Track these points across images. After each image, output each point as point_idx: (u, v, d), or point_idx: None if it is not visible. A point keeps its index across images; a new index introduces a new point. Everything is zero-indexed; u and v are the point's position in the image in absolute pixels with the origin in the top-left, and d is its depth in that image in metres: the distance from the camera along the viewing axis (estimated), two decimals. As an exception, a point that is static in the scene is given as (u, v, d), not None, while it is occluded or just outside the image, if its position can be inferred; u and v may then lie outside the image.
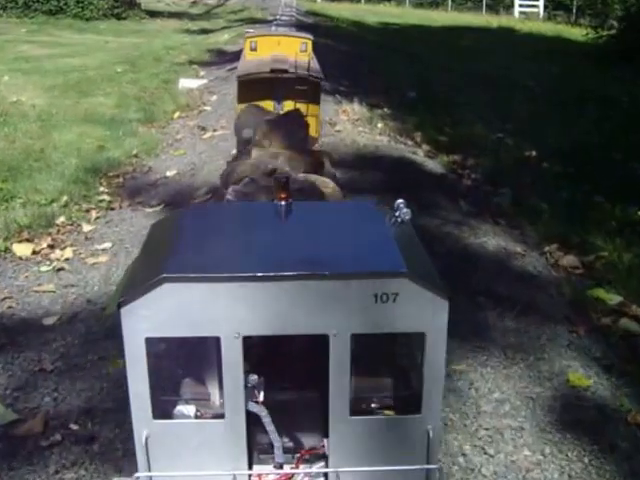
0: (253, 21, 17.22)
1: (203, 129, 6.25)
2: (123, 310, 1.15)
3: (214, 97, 8.04)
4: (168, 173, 5.00)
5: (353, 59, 11.46)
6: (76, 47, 13.41)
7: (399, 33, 19.85)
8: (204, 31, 17.08)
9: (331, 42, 13.02)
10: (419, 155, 5.76)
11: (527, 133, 7.09)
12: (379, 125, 6.52)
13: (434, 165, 5.53)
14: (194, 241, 1.31)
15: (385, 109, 7.31)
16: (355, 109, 7.00)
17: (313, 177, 2.11)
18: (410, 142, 6.13)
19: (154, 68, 10.75)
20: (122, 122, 6.51)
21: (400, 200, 1.37)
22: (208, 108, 7.41)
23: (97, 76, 9.88)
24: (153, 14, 19.93)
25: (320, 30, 15.68)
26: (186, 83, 8.83)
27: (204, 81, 9.02)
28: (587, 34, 17.41)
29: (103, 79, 9.62)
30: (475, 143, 6.29)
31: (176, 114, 7.12)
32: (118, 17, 18.21)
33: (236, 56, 11.07)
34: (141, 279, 1.18)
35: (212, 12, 26.17)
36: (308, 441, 1.34)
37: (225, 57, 11.69)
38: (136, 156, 5.43)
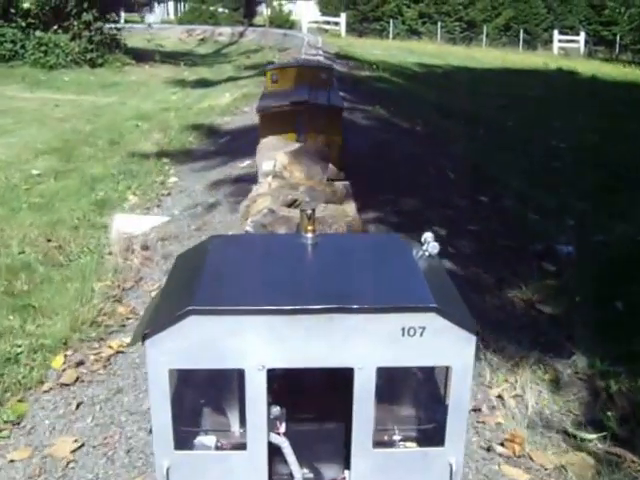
0: (268, 69, 12.92)
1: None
2: (148, 342, 1.13)
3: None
4: None
5: (430, 152, 6.98)
6: (6, 115, 9.13)
7: (450, 81, 15.67)
8: (203, 83, 12.82)
9: (384, 113, 8.62)
10: None
11: None
12: None
13: None
14: (220, 273, 1.29)
15: (577, 356, 2.81)
16: (528, 402, 2.42)
17: (333, 207, 2.14)
18: None
19: (98, 165, 6.42)
20: None
21: (428, 233, 1.35)
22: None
23: (-12, 187, 5.58)
24: (142, 57, 15.67)
25: (361, 87, 11.31)
26: (127, 224, 4.46)
27: (162, 219, 4.61)
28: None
29: (-5, 196, 5.31)
30: None
31: (62, 356, 2.72)
32: (93, 64, 13.96)
33: (234, 141, 6.70)
34: (167, 311, 1.17)
35: (222, 51, 22.11)
36: (328, 472, 1.32)
37: (218, 142, 7.31)
38: None
